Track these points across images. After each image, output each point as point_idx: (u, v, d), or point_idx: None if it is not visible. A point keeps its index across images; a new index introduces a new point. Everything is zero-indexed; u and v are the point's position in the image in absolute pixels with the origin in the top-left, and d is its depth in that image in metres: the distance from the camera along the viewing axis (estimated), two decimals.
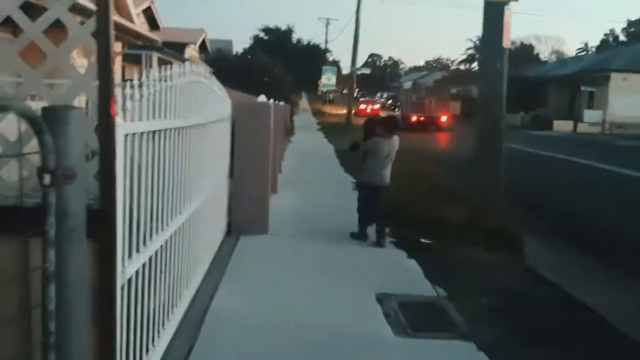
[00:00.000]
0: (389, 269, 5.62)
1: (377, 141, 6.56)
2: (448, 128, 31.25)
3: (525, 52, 60.15)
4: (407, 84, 36.98)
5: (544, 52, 67.97)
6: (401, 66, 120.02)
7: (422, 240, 6.61)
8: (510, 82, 9.12)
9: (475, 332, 4.13)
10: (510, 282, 5.50)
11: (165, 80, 3.09)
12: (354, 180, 9.41)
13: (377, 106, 42.44)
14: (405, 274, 5.47)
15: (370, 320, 4.31)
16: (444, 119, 31.55)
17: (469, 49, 74.23)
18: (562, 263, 6.47)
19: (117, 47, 13.60)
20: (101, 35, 1.98)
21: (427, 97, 32.24)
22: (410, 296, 4.84)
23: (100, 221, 2.11)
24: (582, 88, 35.85)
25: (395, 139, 6.64)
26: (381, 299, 4.70)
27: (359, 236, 6.56)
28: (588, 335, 4.38)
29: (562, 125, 34.15)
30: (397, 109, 41.61)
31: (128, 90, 2.51)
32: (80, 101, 3.39)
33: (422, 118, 30.44)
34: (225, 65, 28.09)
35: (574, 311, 4.84)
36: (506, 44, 7.87)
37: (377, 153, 6.51)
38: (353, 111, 35.34)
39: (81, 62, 7.07)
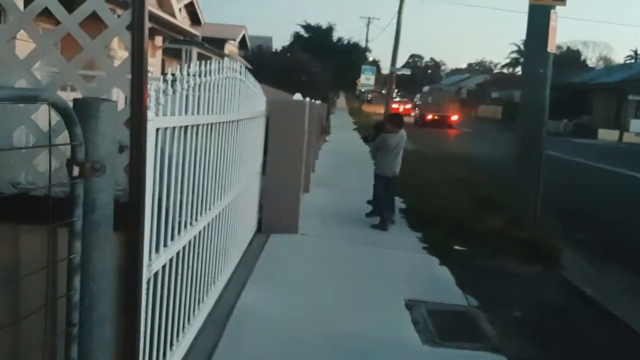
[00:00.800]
0: (420, 275, 5.52)
1: (385, 137, 7.28)
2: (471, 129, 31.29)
3: (571, 58, 58.71)
4: (426, 89, 42.39)
5: (591, 59, 66.30)
6: (442, 68, 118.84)
7: (456, 247, 6.48)
8: (554, 88, 8.85)
9: (506, 344, 4.01)
10: (545, 294, 5.33)
11: (200, 76, 3.08)
12: None
13: (408, 106, 45.17)
14: (437, 281, 5.36)
15: (398, 326, 4.23)
16: (454, 118, 36.08)
17: (512, 52, 72.97)
18: (601, 278, 6.25)
19: (158, 41, 13.81)
20: (135, 28, 1.97)
21: (442, 100, 38.09)
22: (441, 304, 4.73)
23: (128, 214, 2.11)
24: (630, 97, 34.75)
25: (402, 132, 7.33)
26: (410, 305, 4.61)
27: (379, 226, 7.10)
28: (625, 354, 4.21)
29: (607, 135, 33.20)
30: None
31: (161, 85, 2.51)
32: (118, 95, 3.42)
33: (436, 117, 34.90)
34: (264, 62, 28.25)
35: (611, 328, 4.65)
36: (551, 48, 7.63)
37: (386, 147, 7.22)
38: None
39: (122, 54, 7.18)
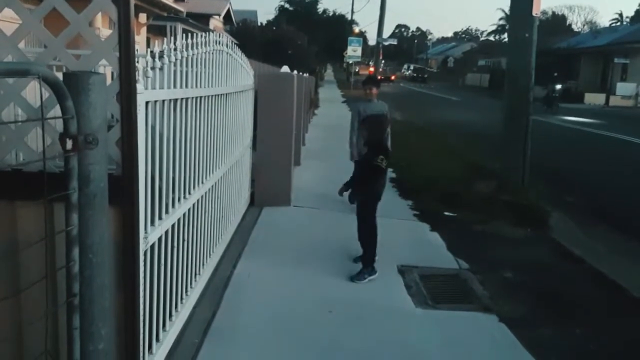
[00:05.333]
0: (411, 242, 5.61)
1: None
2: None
3: (556, 23, 58.50)
4: (405, 66, 72.17)
5: (576, 23, 66.03)
6: (429, 37, 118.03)
7: (446, 213, 6.57)
8: (540, 54, 8.87)
9: (497, 304, 4.12)
10: (534, 256, 5.44)
11: (187, 50, 3.09)
12: None
13: (372, 69, 52.11)
14: (428, 247, 5.45)
15: (391, 291, 4.32)
16: (393, 77, 59.43)
17: (501, 19, 72.45)
18: (589, 238, 6.37)
19: (142, 18, 13.61)
20: (121, 1, 1.97)
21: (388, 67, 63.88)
22: (432, 268, 4.83)
23: (122, 187, 2.14)
24: (616, 60, 34.78)
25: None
26: (403, 270, 4.71)
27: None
28: (614, 309, 4.33)
29: (593, 98, 33.29)
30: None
31: (149, 59, 2.52)
32: (105, 71, 3.42)
33: (382, 77, 45.84)
34: (249, 36, 27.94)
35: (599, 286, 4.78)
36: (536, 12, 7.63)
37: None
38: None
39: (106, 32, 7.10)
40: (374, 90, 5.57)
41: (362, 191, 4.77)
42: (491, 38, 77.28)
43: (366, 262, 4.56)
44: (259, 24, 41.21)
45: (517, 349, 3.51)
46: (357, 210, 4.82)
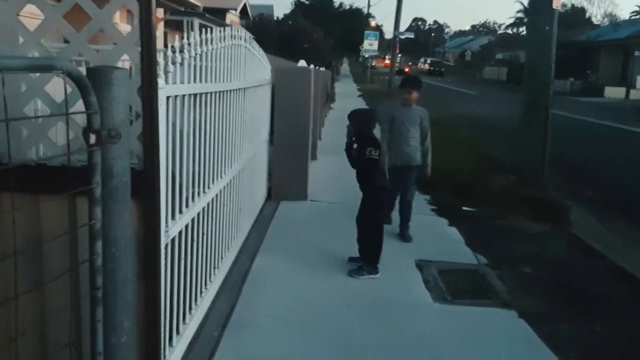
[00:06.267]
0: (429, 236, 5.59)
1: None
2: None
3: (576, 16, 57.59)
4: (422, 59, 73.39)
5: (595, 16, 65.07)
6: (446, 30, 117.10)
7: (464, 208, 6.53)
8: (560, 47, 8.76)
9: (517, 300, 4.09)
10: (554, 251, 5.39)
11: (206, 44, 3.10)
12: None
13: (387, 62, 60.69)
14: (446, 242, 5.42)
15: (409, 286, 4.31)
16: (406, 69, 59.19)
17: (519, 11, 71.58)
18: (609, 233, 6.29)
19: (159, 13, 13.69)
20: None
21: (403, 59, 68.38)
22: (451, 263, 4.81)
23: (144, 182, 2.16)
24: (636, 53, 34.20)
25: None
26: (421, 265, 4.69)
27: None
28: (635, 305, 4.28)
29: (613, 92, 32.81)
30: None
31: (169, 54, 2.53)
32: (124, 66, 3.44)
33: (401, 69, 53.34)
34: (266, 31, 27.96)
35: (620, 281, 4.72)
36: (556, 5, 7.53)
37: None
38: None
39: (124, 28, 7.15)
40: (413, 95, 5.05)
41: (366, 189, 4.61)
42: (509, 31, 76.47)
43: (370, 261, 4.44)
44: (275, 18, 41.24)
45: (537, 344, 3.48)
46: (365, 209, 4.62)
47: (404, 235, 5.32)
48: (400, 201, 5.46)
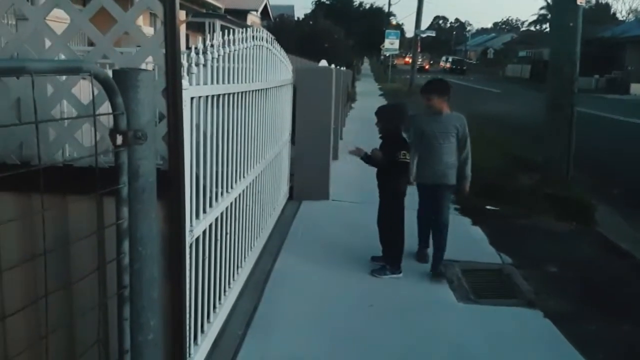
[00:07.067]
0: (452, 235, 5.51)
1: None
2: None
3: (600, 12, 56.60)
4: (444, 58, 73.39)
5: (620, 12, 63.95)
6: (468, 28, 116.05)
7: (488, 207, 6.47)
8: (584, 43, 8.62)
9: (542, 300, 4.04)
10: (579, 250, 5.31)
11: (229, 45, 3.12)
12: None
13: (408, 59, 67.32)
14: (470, 241, 5.38)
15: (433, 286, 4.29)
16: (426, 67, 66.74)
17: (542, 8, 70.64)
18: (636, 232, 6.17)
19: (182, 15, 13.85)
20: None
21: (424, 57, 71.27)
22: (474, 263, 4.77)
23: (169, 182, 2.19)
24: None
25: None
26: (444, 265, 4.66)
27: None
28: None
29: (639, 89, 32.18)
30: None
31: (193, 55, 2.56)
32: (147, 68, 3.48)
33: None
34: (286, 31, 28.03)
35: None
36: (580, 0, 7.42)
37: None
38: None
39: (147, 30, 7.23)
40: (435, 101, 4.35)
41: (388, 190, 4.54)
42: (532, 28, 75.51)
43: (393, 260, 4.40)
44: (296, 18, 41.32)
45: (564, 344, 3.44)
46: (386, 211, 4.57)
47: (435, 270, 4.44)
48: (432, 225, 4.69)
